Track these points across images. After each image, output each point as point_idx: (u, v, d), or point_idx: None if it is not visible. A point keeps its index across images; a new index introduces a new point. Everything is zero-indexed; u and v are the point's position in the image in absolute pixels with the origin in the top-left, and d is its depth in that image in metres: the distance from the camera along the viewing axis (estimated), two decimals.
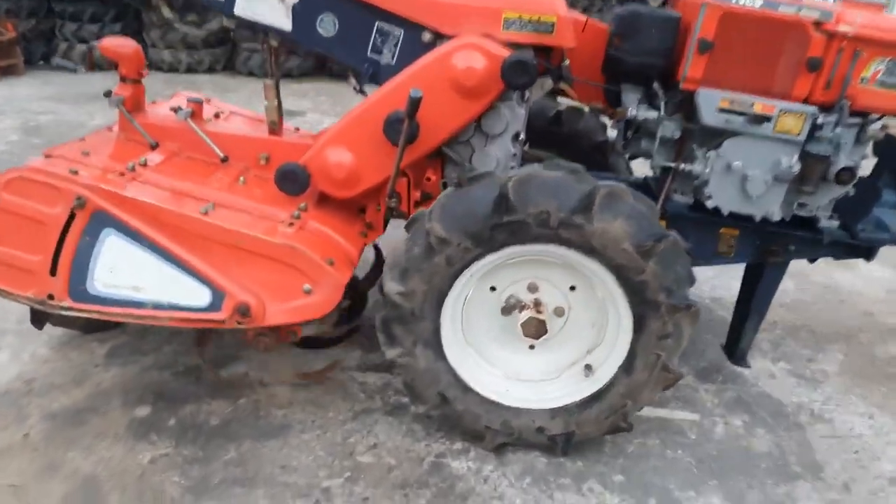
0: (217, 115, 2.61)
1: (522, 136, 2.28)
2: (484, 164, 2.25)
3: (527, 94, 2.21)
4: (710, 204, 2.25)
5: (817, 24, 2.06)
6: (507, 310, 2.15)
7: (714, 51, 2.10)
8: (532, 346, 2.18)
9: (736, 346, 2.63)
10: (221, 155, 2.32)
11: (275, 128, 2.40)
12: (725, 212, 2.26)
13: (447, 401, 2.12)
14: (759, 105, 2.13)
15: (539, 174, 1.91)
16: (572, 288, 2.12)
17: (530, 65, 2.05)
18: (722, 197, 2.24)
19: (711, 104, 2.14)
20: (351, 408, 2.36)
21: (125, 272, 2.02)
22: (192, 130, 2.30)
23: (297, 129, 2.69)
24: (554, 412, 2.15)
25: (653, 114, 2.23)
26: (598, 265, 1.95)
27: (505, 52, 2.07)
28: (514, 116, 2.21)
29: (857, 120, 2.15)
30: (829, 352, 2.89)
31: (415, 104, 1.99)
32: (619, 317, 2.05)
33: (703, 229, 2.34)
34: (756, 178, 2.19)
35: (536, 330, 2.09)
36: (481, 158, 2.26)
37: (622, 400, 2.09)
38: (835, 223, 2.31)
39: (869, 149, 2.23)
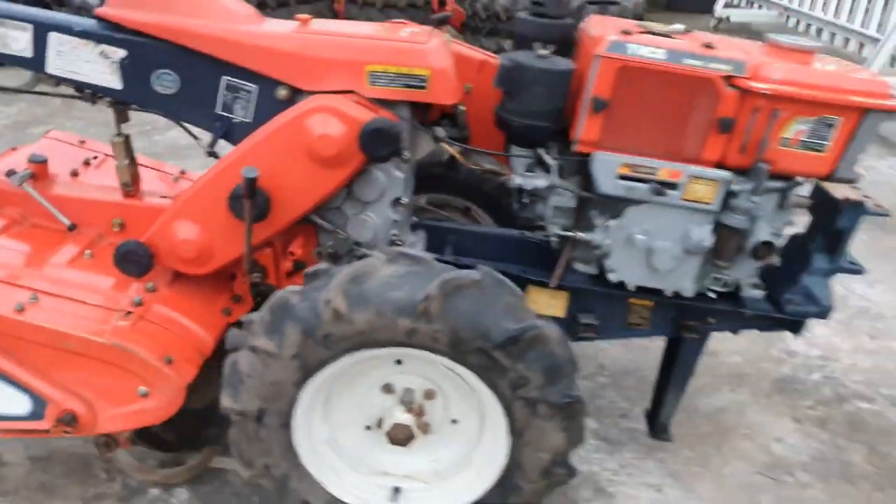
0: (87, 163, 2.31)
1: (406, 199, 1.99)
2: (359, 232, 1.98)
3: (406, 154, 1.92)
4: (612, 278, 1.98)
5: (728, 80, 1.75)
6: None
7: (610, 110, 1.80)
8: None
9: (656, 419, 2.37)
10: (67, 223, 2.05)
11: (128, 190, 2.12)
12: (631, 286, 1.99)
13: None
14: (665, 171, 1.84)
15: (373, 272, 1.64)
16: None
17: (390, 133, 1.76)
18: (626, 271, 1.97)
19: (609, 170, 1.85)
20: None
21: None
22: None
23: (183, 173, 2.40)
24: None
25: (542, 182, 1.93)
26: (456, 364, 1.69)
27: (366, 116, 1.78)
28: (391, 181, 1.93)
29: (778, 184, 1.86)
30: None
31: (250, 184, 1.71)
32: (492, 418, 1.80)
33: (611, 301, 2.07)
34: (663, 251, 1.91)
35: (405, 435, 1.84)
36: (356, 226, 1.98)
37: None
38: (759, 293, 2.03)
39: (793, 216, 1.94)
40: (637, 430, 2.53)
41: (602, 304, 2.07)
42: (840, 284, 3.38)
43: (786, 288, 2.04)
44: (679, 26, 1.94)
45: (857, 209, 1.93)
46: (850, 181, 1.87)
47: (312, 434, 1.88)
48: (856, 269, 2.03)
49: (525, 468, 1.81)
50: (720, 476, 2.40)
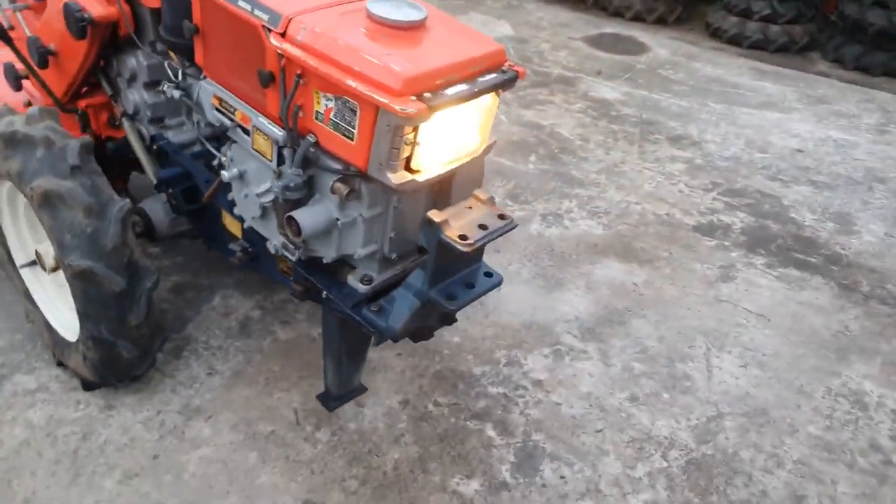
0: None
1: (167, 86, 2.23)
2: (125, 103, 2.34)
3: (158, 46, 2.16)
4: (235, 212, 2.00)
5: (268, 31, 1.60)
6: None
7: (202, 37, 1.80)
8: None
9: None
10: None
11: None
12: (246, 226, 1.99)
13: None
14: (240, 113, 1.79)
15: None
16: None
17: (74, 15, 2.00)
18: (242, 208, 1.97)
19: (207, 97, 1.86)
20: None
21: None
22: None
23: None
24: None
25: (176, 93, 2.01)
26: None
27: (89, 4, 2.06)
28: (139, 66, 2.22)
29: (332, 164, 1.65)
30: None
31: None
32: None
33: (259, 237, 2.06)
34: (251, 197, 1.87)
35: None
36: (124, 98, 2.34)
37: None
38: (361, 285, 1.83)
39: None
40: None
41: (256, 237, 2.08)
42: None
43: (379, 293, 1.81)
44: None
45: (432, 231, 1.60)
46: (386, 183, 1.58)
47: None
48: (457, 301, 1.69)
49: None
50: None
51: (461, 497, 1.98)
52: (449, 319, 2.04)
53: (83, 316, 1.93)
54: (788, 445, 2.26)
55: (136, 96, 2.29)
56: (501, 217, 1.68)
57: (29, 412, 2.06)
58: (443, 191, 1.84)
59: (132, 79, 2.28)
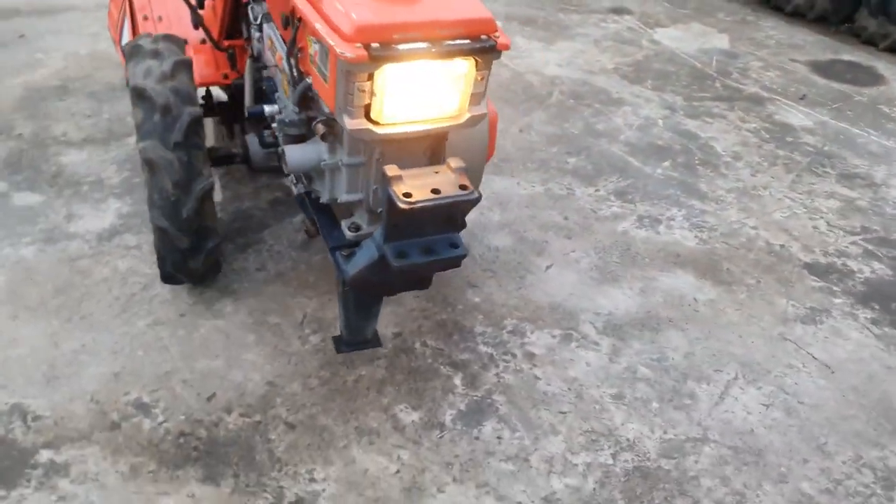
0: None
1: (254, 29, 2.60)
2: (252, 47, 2.81)
3: None
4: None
5: None
6: None
7: None
8: None
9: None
10: None
11: None
12: None
13: None
14: (278, 54, 2.11)
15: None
16: None
17: None
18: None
19: (267, 40, 2.22)
20: None
21: None
22: None
23: None
24: None
25: (255, 34, 2.38)
26: None
27: None
28: (261, 10, 2.70)
29: (326, 109, 1.84)
30: None
31: None
32: None
33: None
34: None
35: None
36: (252, 42, 2.83)
37: None
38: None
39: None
40: None
41: None
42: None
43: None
44: None
45: (384, 184, 1.70)
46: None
47: None
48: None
49: None
50: None
51: (396, 422, 2.16)
52: (423, 284, 2.02)
53: (157, 244, 2.30)
54: (764, 492, 2.06)
55: (256, 41, 2.76)
56: (462, 188, 1.70)
57: (119, 260, 2.65)
58: (434, 154, 1.90)
59: (255, 24, 2.75)
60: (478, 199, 1.72)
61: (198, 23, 2.59)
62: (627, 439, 2.18)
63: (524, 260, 2.87)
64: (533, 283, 2.76)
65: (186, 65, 2.25)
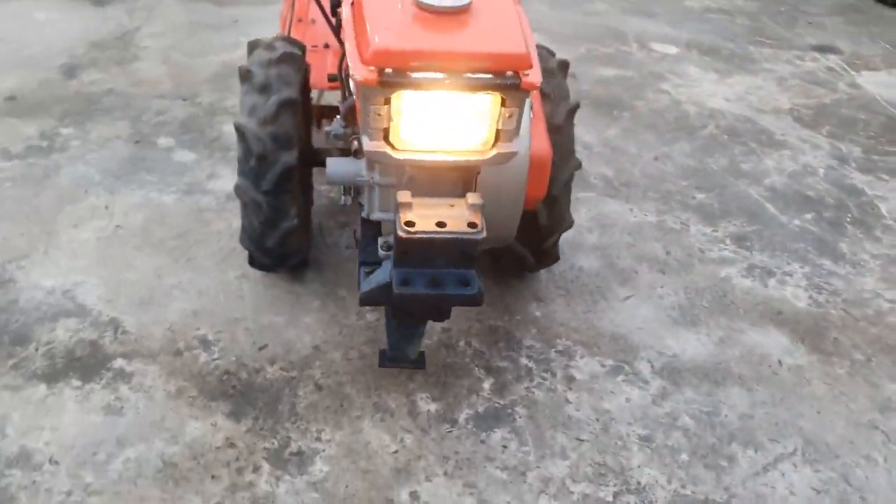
0: None
1: None
2: None
3: None
4: None
5: None
6: None
7: None
8: None
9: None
10: None
11: None
12: None
13: None
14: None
15: None
16: None
17: None
18: None
19: None
20: None
21: None
22: None
23: None
24: None
25: None
26: None
27: None
28: None
29: None
30: None
31: None
32: None
33: None
34: None
35: None
36: None
37: None
38: None
39: None
40: None
41: None
42: None
43: None
44: None
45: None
46: None
47: None
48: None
49: None
50: None
51: (413, 407, 2.25)
52: (437, 315, 1.96)
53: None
54: None
55: None
56: (471, 225, 1.66)
57: (235, 219, 2.97)
58: (465, 187, 1.83)
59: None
60: (484, 240, 1.65)
61: (332, 30, 2.85)
62: (638, 482, 2.08)
63: (604, 285, 2.80)
64: (603, 310, 2.69)
65: (291, 104, 2.20)
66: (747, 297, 2.81)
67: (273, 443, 2.11)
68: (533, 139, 2.04)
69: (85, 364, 2.30)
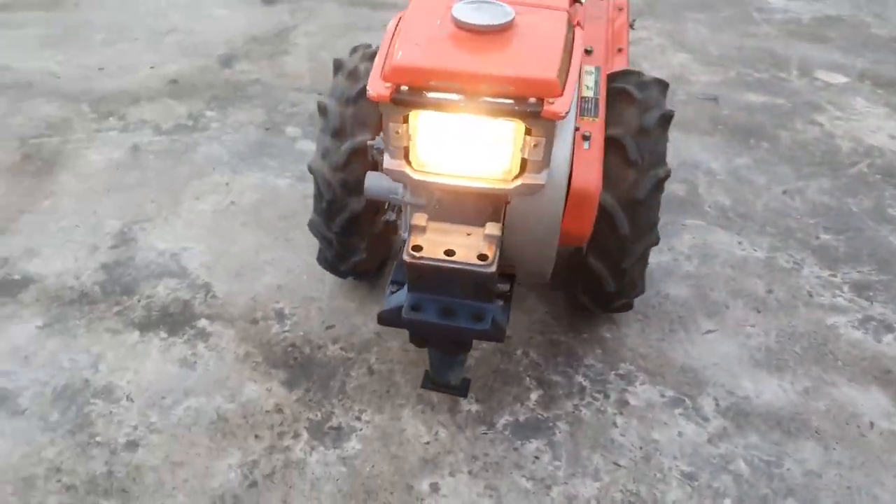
0: None
1: None
2: None
3: None
4: None
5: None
6: None
7: None
8: None
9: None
10: None
11: None
12: None
13: None
14: None
15: None
16: None
17: None
18: None
19: None
20: None
21: None
22: None
23: None
24: None
25: None
26: None
27: None
28: None
29: None
30: None
31: None
32: None
33: None
34: None
35: None
36: None
37: None
38: None
39: None
40: None
41: None
42: None
43: None
44: None
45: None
46: None
47: None
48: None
49: None
50: None
51: (454, 404, 2.26)
52: (454, 346, 1.89)
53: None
54: None
55: None
56: (481, 258, 1.60)
57: None
58: (493, 216, 1.72)
59: None
60: (493, 274, 1.58)
61: None
62: None
63: (688, 316, 2.65)
64: (680, 341, 2.55)
65: (360, 152, 2.09)
66: (852, 350, 2.54)
67: (317, 415, 2.23)
68: (576, 169, 1.83)
69: (175, 320, 2.56)
